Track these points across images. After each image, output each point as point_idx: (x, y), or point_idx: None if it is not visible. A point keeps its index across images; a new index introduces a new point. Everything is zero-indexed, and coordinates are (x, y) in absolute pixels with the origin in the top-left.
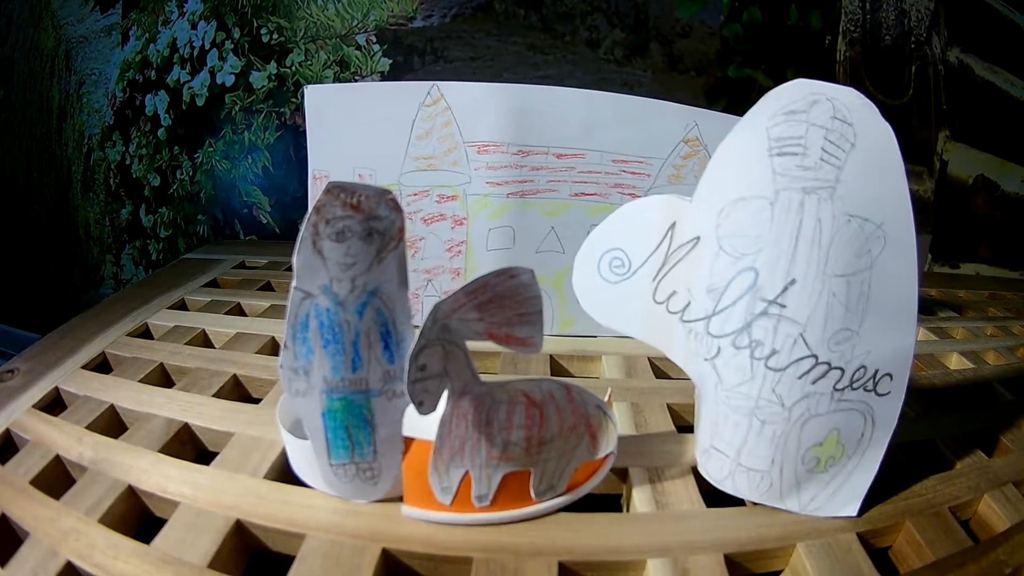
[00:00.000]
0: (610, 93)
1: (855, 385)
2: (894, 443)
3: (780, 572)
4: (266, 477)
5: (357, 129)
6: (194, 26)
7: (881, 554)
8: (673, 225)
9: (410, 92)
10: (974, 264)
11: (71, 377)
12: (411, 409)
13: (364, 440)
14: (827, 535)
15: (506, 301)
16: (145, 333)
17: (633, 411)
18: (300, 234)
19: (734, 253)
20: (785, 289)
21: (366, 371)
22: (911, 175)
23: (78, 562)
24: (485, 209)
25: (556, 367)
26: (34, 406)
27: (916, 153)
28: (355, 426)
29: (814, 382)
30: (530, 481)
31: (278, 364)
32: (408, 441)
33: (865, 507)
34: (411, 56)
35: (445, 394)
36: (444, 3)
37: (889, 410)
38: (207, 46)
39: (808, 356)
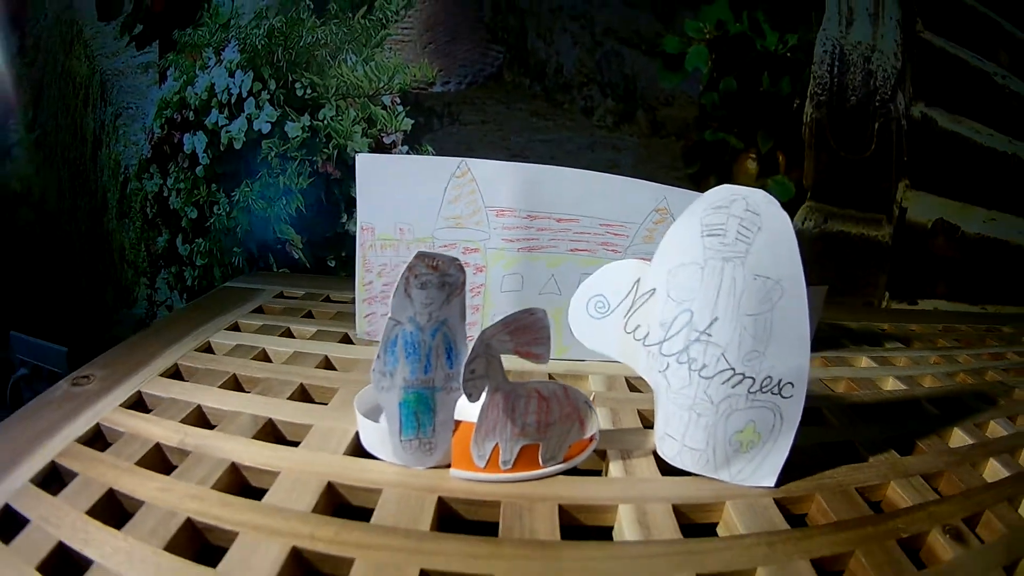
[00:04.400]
0: (599, 173)
1: (764, 390)
2: (818, 441)
3: (716, 524)
4: (345, 453)
5: (399, 191)
6: (231, 74)
7: (800, 520)
8: (638, 280)
9: (444, 166)
10: (933, 300)
11: (151, 383)
12: (461, 400)
13: (427, 422)
14: (750, 498)
15: (528, 329)
16: (208, 349)
17: (612, 414)
18: (396, 283)
19: (677, 299)
20: (711, 323)
21: (434, 374)
22: (871, 223)
23: (197, 517)
24: (500, 260)
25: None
26: (121, 405)
27: (875, 202)
28: (422, 412)
29: (733, 387)
30: (539, 452)
31: (371, 369)
32: (457, 423)
33: (782, 481)
34: (431, 118)
35: (486, 389)
36: (460, 72)
37: (793, 408)
38: (244, 94)
39: (728, 369)
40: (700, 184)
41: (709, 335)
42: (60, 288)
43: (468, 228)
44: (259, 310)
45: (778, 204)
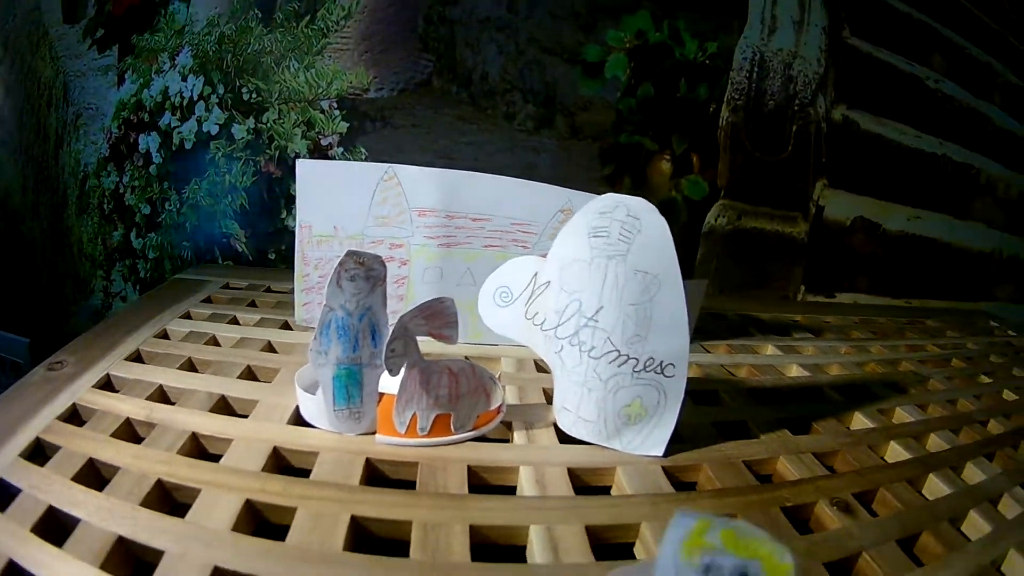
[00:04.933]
0: (511, 178)
1: (647, 369)
2: (713, 420)
3: (609, 487)
4: (287, 423)
5: (334, 193)
6: (184, 78)
7: (690, 488)
8: (536, 273)
9: (373, 171)
10: (853, 294)
11: (117, 366)
12: (384, 375)
13: (356, 394)
14: (640, 465)
15: (439, 315)
16: (165, 335)
17: (519, 391)
18: (329, 276)
19: (569, 290)
20: (598, 311)
21: (361, 352)
22: (786, 220)
23: (166, 478)
24: (422, 255)
25: None
26: (93, 386)
27: (791, 201)
28: (352, 385)
29: (619, 366)
30: (451, 421)
31: (309, 349)
32: (381, 395)
33: (671, 452)
34: (365, 121)
35: (404, 365)
36: (393, 79)
37: (675, 386)
38: (195, 97)
39: (614, 351)
40: (615, 184)
41: (596, 321)
42: (22, 281)
43: (394, 227)
44: (208, 300)
45: (656, 210)
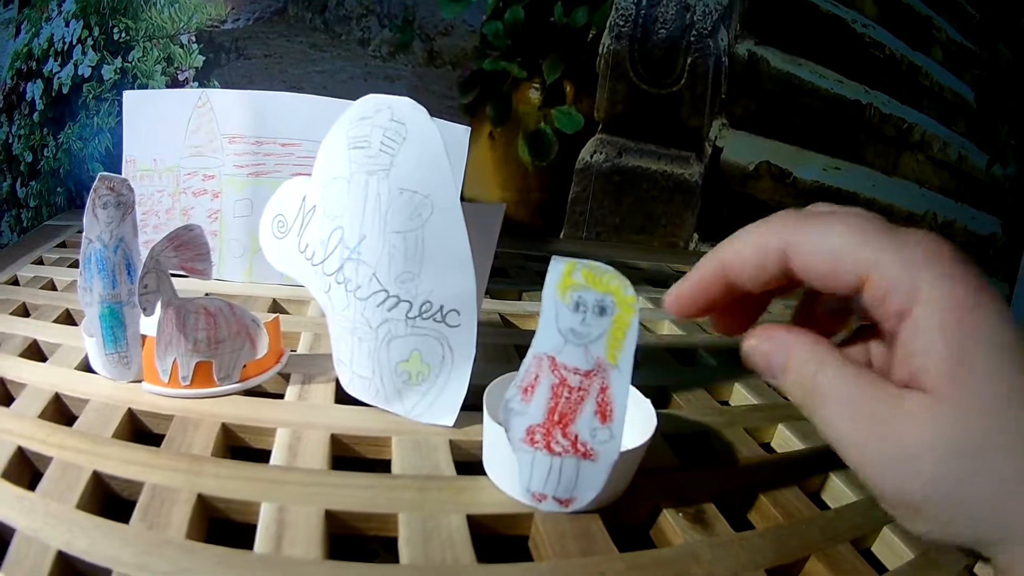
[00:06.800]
0: (321, 97)
1: (424, 316)
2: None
3: (387, 462)
4: (76, 368)
5: (154, 125)
6: (67, 24)
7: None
8: (304, 198)
9: (187, 98)
10: None
11: None
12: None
13: (121, 336)
14: (421, 435)
15: (190, 245)
16: (15, 282)
17: (314, 339)
18: (87, 204)
19: (331, 216)
20: (360, 241)
21: (120, 288)
22: (677, 159)
23: None
24: (232, 186)
25: (276, 307)
26: None
27: (684, 139)
28: (116, 326)
29: (389, 310)
30: (212, 369)
31: (77, 285)
32: (144, 338)
33: (463, 422)
34: (220, 54)
35: (159, 304)
36: (249, 8)
37: (463, 339)
38: (75, 42)
39: (381, 291)
40: (475, 113)
41: (359, 253)
42: None
43: (207, 156)
44: (63, 244)
45: (425, 112)
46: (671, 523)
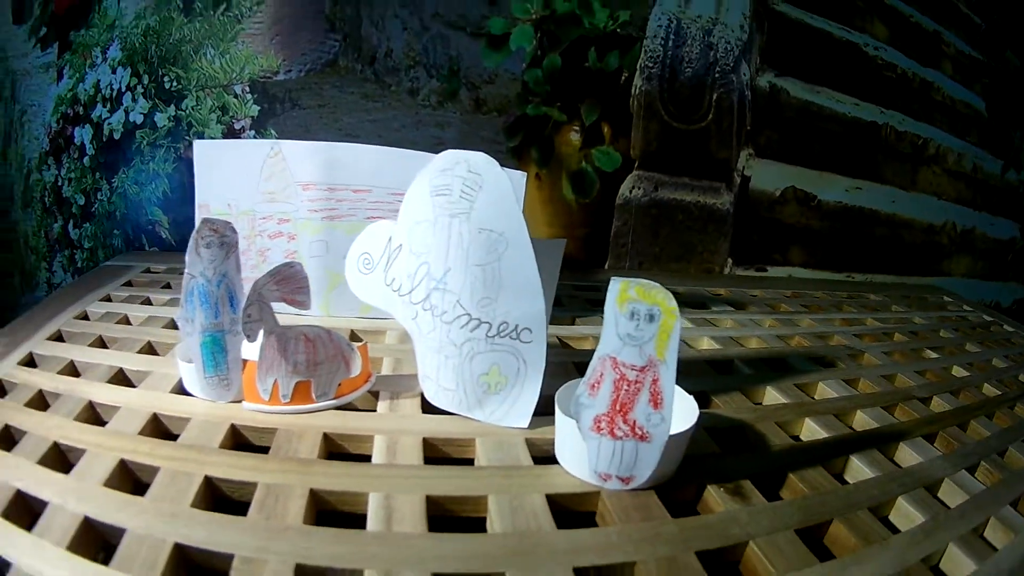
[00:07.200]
0: (388, 148)
1: (502, 334)
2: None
3: (471, 460)
4: (170, 392)
5: (226, 173)
6: (114, 71)
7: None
8: (390, 237)
9: (259, 148)
10: (788, 267)
11: (40, 345)
12: (246, 343)
13: (222, 361)
14: (500, 435)
15: (291, 280)
16: (85, 317)
17: (395, 362)
18: (189, 244)
19: (417, 253)
20: (445, 273)
21: (222, 318)
22: (709, 190)
23: (62, 441)
24: (308, 228)
25: (353, 337)
26: (18, 363)
27: (714, 171)
28: (217, 352)
29: (472, 330)
30: (311, 388)
31: (177, 317)
32: (246, 362)
33: (536, 424)
34: (274, 104)
35: (262, 332)
36: (300, 60)
37: (536, 353)
38: (123, 89)
39: (464, 314)
40: (521, 156)
41: (445, 284)
42: None
43: (281, 202)
44: (128, 284)
45: (497, 165)
46: (714, 496)
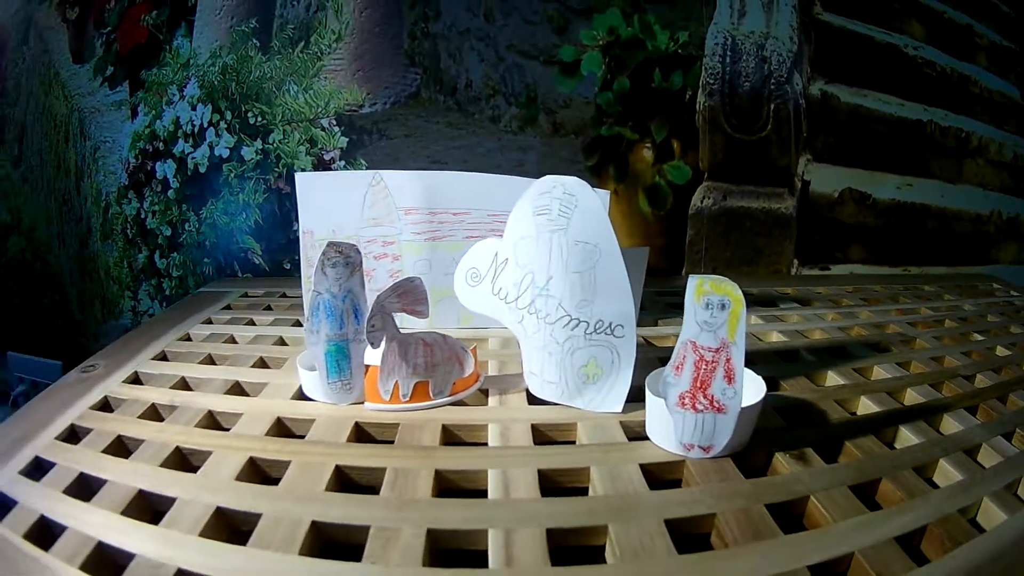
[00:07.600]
0: (484, 174)
1: (598, 331)
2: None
3: (573, 441)
4: (291, 398)
5: (330, 201)
6: (193, 108)
7: (644, 439)
8: (496, 253)
9: (362, 177)
10: (849, 265)
11: (144, 365)
12: (369, 350)
13: (345, 367)
14: (598, 419)
15: (410, 292)
16: (188, 339)
17: (500, 364)
18: (315, 265)
19: (522, 265)
20: (547, 281)
21: (347, 329)
22: (772, 196)
23: (184, 445)
24: (411, 249)
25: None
26: (123, 382)
27: (775, 177)
28: (341, 359)
29: (572, 329)
30: (429, 387)
31: (304, 329)
32: (367, 367)
33: (628, 408)
34: (362, 135)
35: (384, 339)
36: (384, 93)
37: (628, 346)
38: (205, 125)
39: (565, 316)
40: (600, 173)
41: (548, 290)
42: (51, 307)
43: (385, 226)
44: (228, 307)
45: (588, 186)
46: (781, 461)
